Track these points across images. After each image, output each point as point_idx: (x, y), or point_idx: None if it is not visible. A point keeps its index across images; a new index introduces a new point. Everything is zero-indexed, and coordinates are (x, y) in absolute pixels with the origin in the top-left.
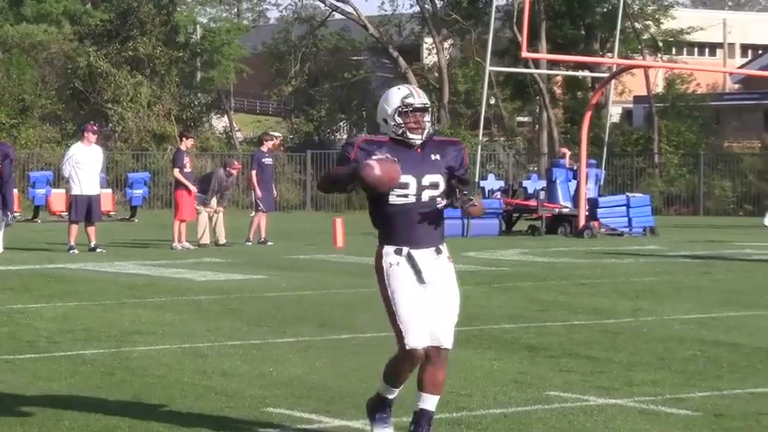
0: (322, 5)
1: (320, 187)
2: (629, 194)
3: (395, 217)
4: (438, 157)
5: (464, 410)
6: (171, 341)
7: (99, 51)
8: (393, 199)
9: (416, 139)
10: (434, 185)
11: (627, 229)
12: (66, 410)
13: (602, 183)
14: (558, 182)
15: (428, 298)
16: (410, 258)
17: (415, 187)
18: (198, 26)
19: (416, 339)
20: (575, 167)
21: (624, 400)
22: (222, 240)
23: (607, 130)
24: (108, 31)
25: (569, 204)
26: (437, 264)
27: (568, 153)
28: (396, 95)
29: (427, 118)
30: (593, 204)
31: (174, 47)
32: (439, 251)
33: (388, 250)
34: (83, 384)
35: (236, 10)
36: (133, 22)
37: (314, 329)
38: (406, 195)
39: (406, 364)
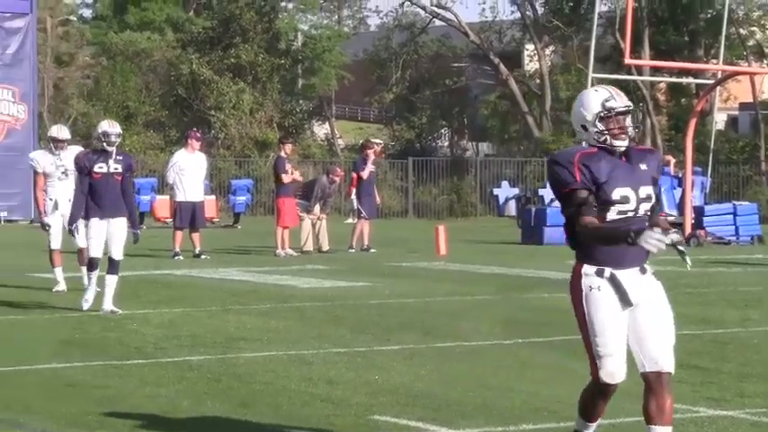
0: (423, 12)
1: (586, 240)
2: (736, 203)
3: None
4: (645, 166)
5: (572, 420)
6: (276, 348)
7: (201, 59)
8: (612, 215)
9: (621, 146)
10: (648, 198)
11: (734, 238)
12: (174, 416)
13: (707, 191)
14: (663, 189)
15: (638, 321)
16: (613, 280)
17: (635, 201)
18: (299, 33)
19: (611, 375)
20: (679, 175)
21: (735, 411)
22: (325, 247)
23: (713, 137)
24: (210, 39)
25: (674, 213)
26: (644, 283)
27: (673, 161)
28: (594, 99)
29: (629, 121)
30: (698, 213)
31: (275, 54)
32: (644, 270)
33: (588, 270)
34: (190, 390)
35: (336, 17)
36: (235, 29)
37: (418, 337)
38: (625, 212)
39: (598, 395)
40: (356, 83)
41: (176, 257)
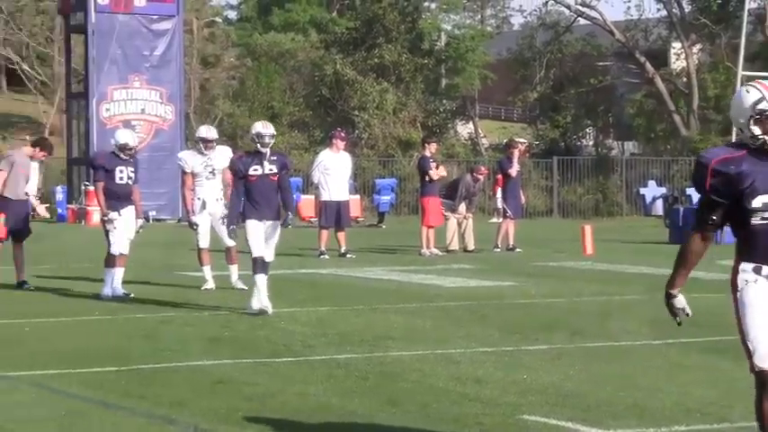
0: (567, 11)
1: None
2: None
3: (758, 236)
4: None
5: (725, 422)
6: (423, 347)
7: (345, 59)
8: (756, 221)
9: None
10: None
11: None
12: (322, 414)
13: None
14: None
15: None
16: None
17: None
18: (442, 33)
19: (764, 359)
20: None
21: None
22: (471, 247)
23: None
24: (354, 39)
25: None
26: None
27: None
28: (746, 101)
29: None
30: None
31: (418, 54)
32: None
33: (746, 267)
34: (338, 388)
35: (479, 16)
36: (378, 29)
37: (566, 337)
38: None
39: (759, 391)
40: (499, 82)
41: (322, 256)
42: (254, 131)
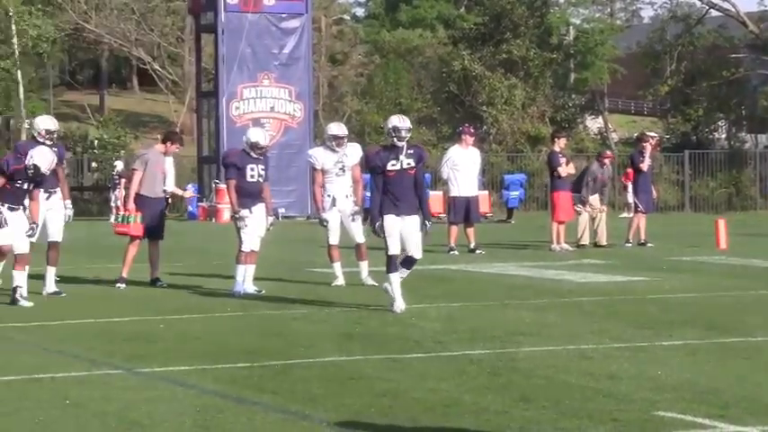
0: (698, 3)
1: None
2: None
3: None
4: None
5: None
6: (555, 343)
7: (473, 55)
8: None
9: None
10: None
11: None
12: (455, 410)
13: None
14: None
15: None
16: None
17: None
18: (571, 27)
19: None
20: None
21: None
22: (603, 242)
23: None
24: (482, 35)
25: None
26: None
27: None
28: None
29: None
30: None
31: (547, 48)
32: None
33: None
34: (470, 384)
35: (609, 10)
36: (506, 24)
37: (701, 332)
38: None
39: None
40: (629, 76)
41: (451, 252)
42: (390, 125)
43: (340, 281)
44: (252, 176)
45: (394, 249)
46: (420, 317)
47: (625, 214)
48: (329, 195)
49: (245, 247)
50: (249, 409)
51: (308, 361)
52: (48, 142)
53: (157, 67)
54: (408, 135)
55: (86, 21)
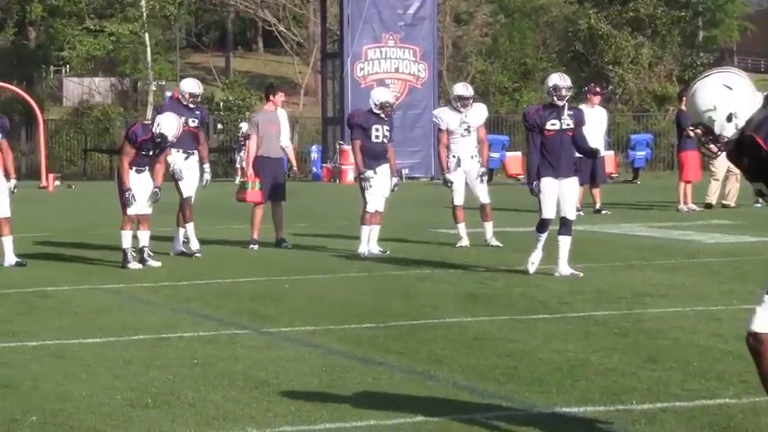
0: None
1: None
2: None
3: None
4: None
5: None
6: (683, 304)
7: (599, 13)
8: None
9: None
10: None
11: None
12: (582, 370)
13: None
14: None
15: None
16: None
17: None
18: None
19: None
20: None
21: None
22: (731, 203)
23: None
24: None
25: None
26: None
27: None
28: None
29: None
30: None
31: (675, 6)
32: None
33: None
34: (597, 345)
35: None
36: None
37: None
38: None
39: None
40: (760, 33)
41: (577, 213)
42: (550, 84)
43: (464, 241)
44: (377, 137)
45: (548, 213)
46: (545, 278)
47: None
48: (454, 156)
49: (370, 208)
50: (374, 369)
51: (432, 321)
52: (191, 105)
53: (282, 29)
54: (569, 94)
55: None
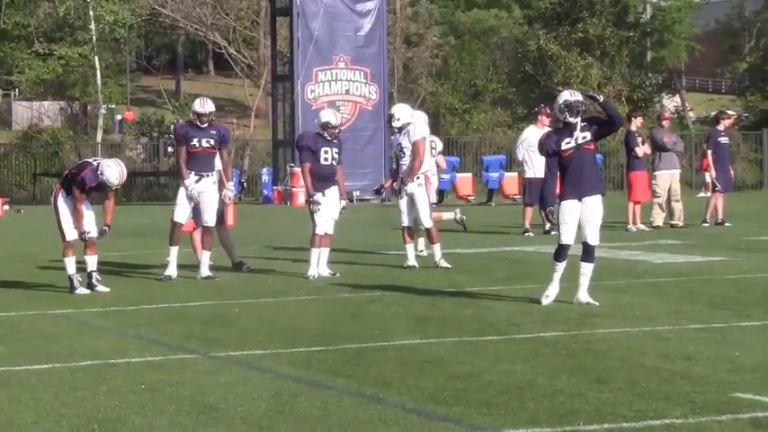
0: None
1: None
2: None
3: None
4: None
5: None
6: (631, 324)
7: (549, 34)
8: None
9: None
10: None
11: None
12: (530, 392)
13: None
14: None
15: None
16: None
17: None
18: (648, 5)
19: None
20: None
21: None
22: (678, 222)
23: None
24: (557, 14)
25: None
26: None
27: None
28: None
29: None
30: None
31: (623, 27)
32: None
33: None
34: (544, 366)
35: None
36: (583, 3)
37: None
38: None
39: None
40: (707, 54)
41: (526, 234)
42: (560, 101)
43: (412, 261)
44: (326, 159)
45: (567, 239)
46: (494, 299)
47: (702, 194)
48: (400, 178)
49: (319, 230)
50: (323, 392)
51: (382, 344)
52: (200, 124)
53: (233, 51)
54: (583, 108)
55: (162, 5)
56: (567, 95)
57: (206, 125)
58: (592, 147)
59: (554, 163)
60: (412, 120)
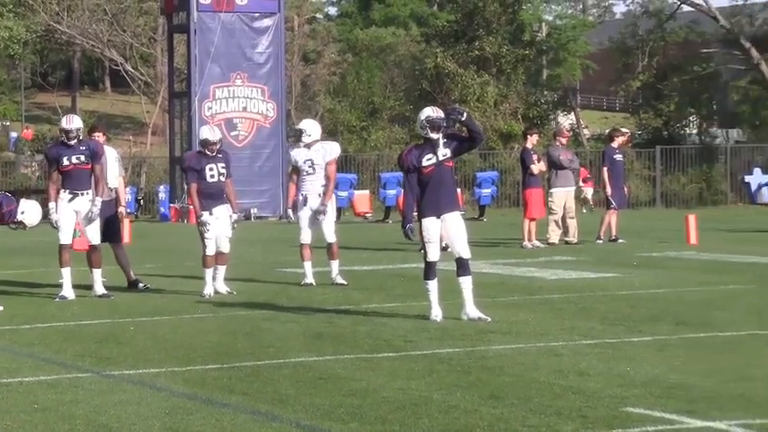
0: None
1: None
2: None
3: None
4: None
5: None
6: (525, 340)
7: (446, 52)
8: None
9: None
10: None
11: None
12: (425, 408)
13: None
14: None
15: None
16: None
17: None
18: (543, 24)
19: None
20: None
21: None
22: (573, 238)
23: None
24: (454, 32)
25: None
26: None
27: None
28: None
29: None
30: None
31: (519, 45)
32: None
33: None
34: (439, 383)
35: (581, 6)
36: (479, 21)
37: (670, 328)
38: None
39: None
40: (601, 72)
41: (422, 251)
42: (422, 117)
43: (309, 279)
44: (212, 176)
45: (433, 256)
46: (390, 316)
47: (584, 210)
48: (302, 194)
49: (209, 252)
50: (218, 410)
51: (278, 361)
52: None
53: (130, 68)
54: (445, 124)
55: (58, 22)
56: (430, 112)
57: (74, 141)
58: (451, 164)
59: (413, 179)
60: (319, 137)
